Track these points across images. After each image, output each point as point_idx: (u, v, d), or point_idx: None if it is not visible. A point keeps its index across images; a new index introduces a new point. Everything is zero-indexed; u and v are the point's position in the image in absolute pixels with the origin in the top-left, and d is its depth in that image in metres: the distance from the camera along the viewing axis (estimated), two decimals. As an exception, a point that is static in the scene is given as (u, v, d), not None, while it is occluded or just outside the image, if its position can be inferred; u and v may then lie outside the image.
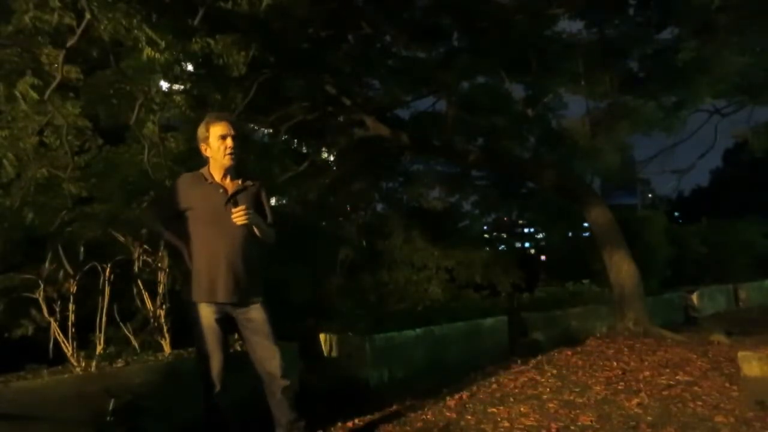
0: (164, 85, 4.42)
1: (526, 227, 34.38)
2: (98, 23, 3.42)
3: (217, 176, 2.81)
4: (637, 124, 8.18)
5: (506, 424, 3.39)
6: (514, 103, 7.89)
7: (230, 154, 2.77)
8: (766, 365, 4.33)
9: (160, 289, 3.66)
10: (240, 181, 2.85)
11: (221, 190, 2.77)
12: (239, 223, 2.65)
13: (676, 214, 28.91)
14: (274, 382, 2.76)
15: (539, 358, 5.42)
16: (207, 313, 2.70)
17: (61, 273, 3.25)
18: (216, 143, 2.77)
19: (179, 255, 2.92)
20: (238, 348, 3.78)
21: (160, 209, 2.98)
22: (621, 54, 7.26)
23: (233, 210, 2.65)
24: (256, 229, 2.78)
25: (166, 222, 2.90)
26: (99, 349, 3.28)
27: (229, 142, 2.76)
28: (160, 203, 3.10)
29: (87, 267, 3.30)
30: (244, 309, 2.77)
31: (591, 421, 3.39)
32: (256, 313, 2.78)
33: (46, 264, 3.23)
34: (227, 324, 2.78)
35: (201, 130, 2.83)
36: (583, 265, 9.12)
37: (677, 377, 4.50)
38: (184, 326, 3.74)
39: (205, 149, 2.82)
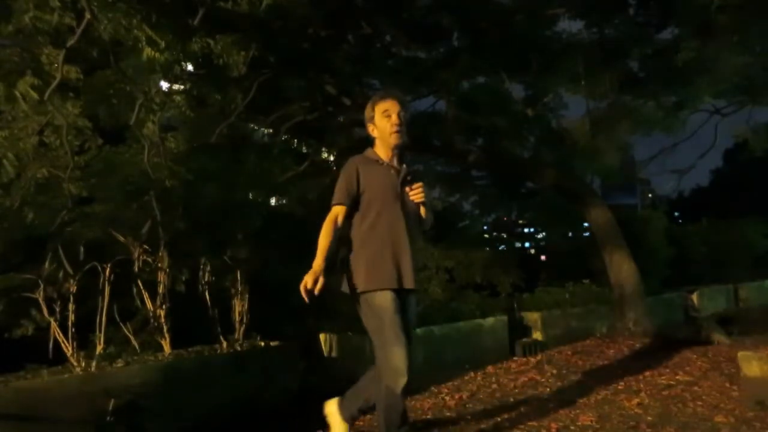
0: (164, 85, 4.42)
1: (526, 227, 34.43)
2: (98, 23, 3.42)
3: (385, 157, 2.67)
4: (637, 124, 8.17)
5: (506, 424, 3.39)
6: (514, 103, 7.88)
7: (397, 131, 2.60)
8: (766, 365, 4.32)
9: (160, 289, 3.67)
10: (404, 165, 2.70)
11: (392, 171, 2.64)
12: (417, 200, 2.58)
13: (676, 214, 28.92)
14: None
15: (539, 358, 5.42)
16: (391, 301, 2.50)
17: (61, 273, 3.25)
18: (382, 122, 2.62)
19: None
20: (238, 348, 3.78)
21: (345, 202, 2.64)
22: (621, 54, 7.24)
23: (413, 187, 2.57)
24: (423, 210, 2.67)
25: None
26: (99, 349, 3.28)
27: (394, 118, 2.60)
28: (346, 199, 2.65)
29: (87, 267, 3.30)
30: (409, 298, 2.63)
31: (591, 421, 3.39)
32: (414, 303, 2.68)
33: (46, 264, 3.23)
34: None
35: (367, 110, 2.69)
36: (583, 265, 9.11)
37: (677, 377, 4.50)
38: (184, 326, 3.75)
39: (372, 130, 2.69)
